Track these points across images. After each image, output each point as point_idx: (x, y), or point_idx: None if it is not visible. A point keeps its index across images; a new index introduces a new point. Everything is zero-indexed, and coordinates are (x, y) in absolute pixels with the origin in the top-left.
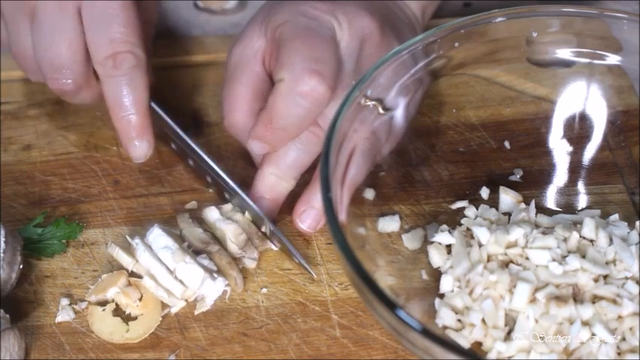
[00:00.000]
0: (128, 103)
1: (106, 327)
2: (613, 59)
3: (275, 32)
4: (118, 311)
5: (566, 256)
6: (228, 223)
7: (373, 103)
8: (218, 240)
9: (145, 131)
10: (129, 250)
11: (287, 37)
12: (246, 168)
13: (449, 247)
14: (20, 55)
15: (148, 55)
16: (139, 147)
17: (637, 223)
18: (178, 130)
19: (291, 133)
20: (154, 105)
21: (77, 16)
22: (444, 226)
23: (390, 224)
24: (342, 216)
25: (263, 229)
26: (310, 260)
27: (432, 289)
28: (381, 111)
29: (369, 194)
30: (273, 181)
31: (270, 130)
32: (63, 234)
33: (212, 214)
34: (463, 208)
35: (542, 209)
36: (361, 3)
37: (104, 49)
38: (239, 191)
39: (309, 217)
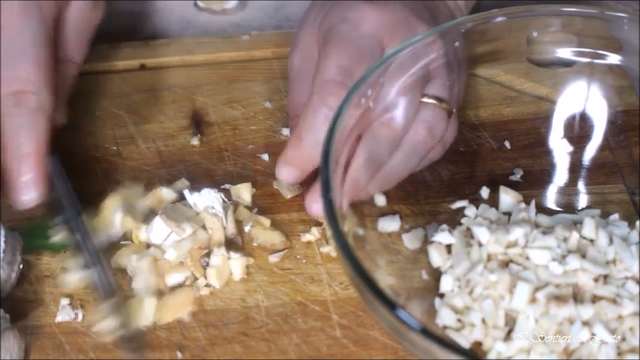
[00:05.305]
0: (24, 149)
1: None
2: (613, 59)
3: (320, 39)
4: None
5: (567, 255)
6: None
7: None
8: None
9: (35, 183)
10: None
11: (325, 44)
12: (247, 167)
13: (449, 246)
14: None
15: (60, 95)
16: (24, 197)
17: (637, 222)
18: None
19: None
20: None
21: None
22: (444, 226)
23: (390, 224)
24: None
25: None
26: (310, 260)
27: (432, 288)
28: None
29: (380, 201)
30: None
31: (299, 149)
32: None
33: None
34: (463, 208)
35: (542, 209)
36: (408, 4)
37: (7, 86)
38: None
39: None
